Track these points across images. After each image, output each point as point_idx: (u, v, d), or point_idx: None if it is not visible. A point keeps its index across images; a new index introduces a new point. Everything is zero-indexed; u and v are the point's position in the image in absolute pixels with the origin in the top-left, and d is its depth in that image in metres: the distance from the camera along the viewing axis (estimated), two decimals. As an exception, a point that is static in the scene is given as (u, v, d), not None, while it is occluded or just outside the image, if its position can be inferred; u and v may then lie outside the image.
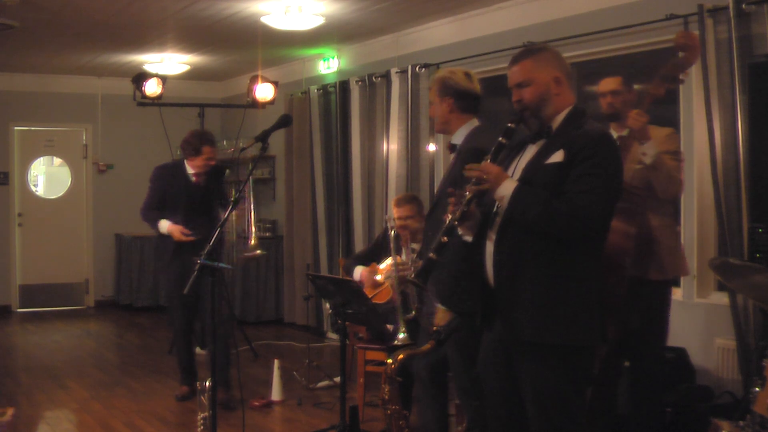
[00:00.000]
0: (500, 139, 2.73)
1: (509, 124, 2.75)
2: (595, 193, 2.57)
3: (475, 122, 3.56)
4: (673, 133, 3.91)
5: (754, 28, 4.32)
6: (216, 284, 3.79)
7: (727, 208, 4.43)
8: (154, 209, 5.62)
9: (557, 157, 2.63)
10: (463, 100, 3.53)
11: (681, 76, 3.66)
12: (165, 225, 5.52)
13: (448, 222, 2.71)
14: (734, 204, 4.39)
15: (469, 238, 2.85)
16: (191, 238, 5.41)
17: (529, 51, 2.79)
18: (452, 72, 3.59)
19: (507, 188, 2.64)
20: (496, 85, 6.39)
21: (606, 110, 3.96)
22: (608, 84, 3.92)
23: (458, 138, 3.54)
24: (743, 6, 4.31)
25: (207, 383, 3.89)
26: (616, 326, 3.47)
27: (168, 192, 5.60)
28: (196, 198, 5.56)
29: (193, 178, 5.57)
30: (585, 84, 5.94)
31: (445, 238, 2.71)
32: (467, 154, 3.42)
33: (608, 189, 2.62)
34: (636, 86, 3.80)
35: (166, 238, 5.52)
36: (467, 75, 3.59)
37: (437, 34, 6.74)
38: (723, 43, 4.43)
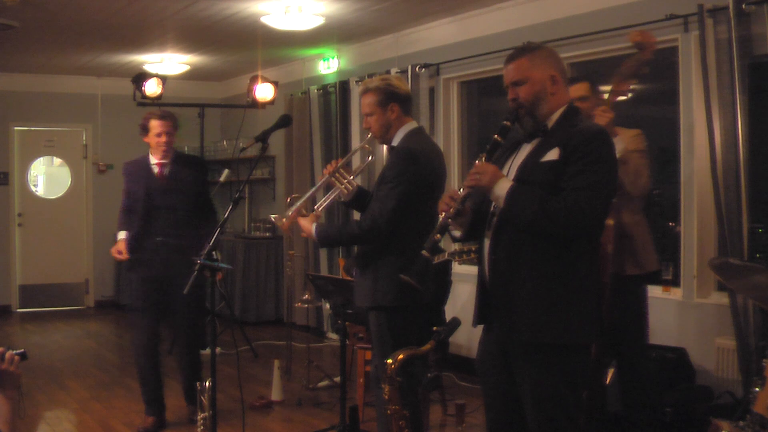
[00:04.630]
0: (495, 137, 2.73)
1: (504, 122, 2.74)
2: (592, 190, 2.57)
3: (413, 124, 3.70)
4: (640, 133, 3.97)
5: (754, 28, 4.32)
6: (215, 284, 3.79)
7: (727, 208, 4.43)
8: (130, 211, 4.93)
9: (553, 154, 2.63)
10: (405, 103, 3.66)
11: (642, 71, 3.72)
12: (119, 237, 4.86)
13: (441, 220, 2.71)
14: (734, 204, 4.39)
15: (457, 234, 2.85)
16: (121, 257, 4.77)
17: (525, 49, 2.78)
18: (386, 79, 3.70)
19: (502, 188, 2.63)
20: (495, 85, 6.40)
21: None
22: (576, 90, 3.93)
23: (397, 140, 3.67)
24: (743, 6, 4.31)
25: (207, 383, 3.89)
26: (604, 321, 3.52)
27: (131, 190, 4.90)
28: (157, 195, 4.80)
29: (157, 170, 4.85)
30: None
31: (438, 236, 2.71)
32: (400, 155, 3.56)
33: (605, 186, 2.62)
34: (609, 87, 3.83)
35: (130, 244, 4.82)
36: (400, 79, 3.76)
37: (437, 34, 6.74)
38: (723, 43, 4.43)
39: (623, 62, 3.72)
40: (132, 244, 4.82)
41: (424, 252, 2.70)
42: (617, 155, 3.61)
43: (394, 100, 3.61)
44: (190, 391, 4.97)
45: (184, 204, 4.84)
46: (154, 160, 4.85)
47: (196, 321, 5.00)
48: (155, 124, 4.78)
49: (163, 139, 4.78)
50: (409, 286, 3.33)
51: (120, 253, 4.78)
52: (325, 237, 3.70)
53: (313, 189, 3.90)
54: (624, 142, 3.72)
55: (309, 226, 3.70)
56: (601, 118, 3.61)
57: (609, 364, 4.07)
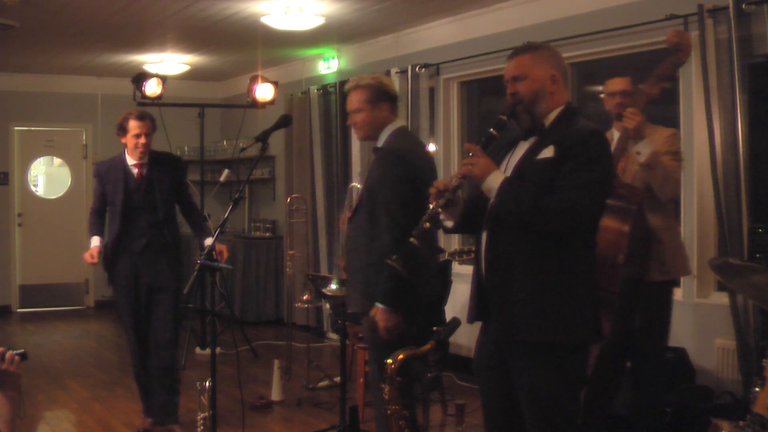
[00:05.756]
0: (491, 130, 2.74)
1: (501, 117, 2.75)
2: (586, 189, 2.57)
3: (398, 123, 3.62)
4: (675, 133, 3.90)
5: (754, 28, 4.33)
6: (215, 284, 3.79)
7: (727, 208, 4.43)
8: (101, 213, 4.83)
9: (548, 153, 2.64)
10: (394, 103, 3.61)
11: (677, 74, 3.66)
12: (92, 244, 4.73)
13: (431, 208, 2.71)
14: (734, 204, 4.39)
15: (449, 224, 2.85)
16: (93, 261, 4.65)
17: (528, 47, 2.80)
18: (377, 77, 3.64)
19: (495, 180, 2.63)
20: (495, 85, 6.40)
21: (615, 110, 3.89)
22: (619, 84, 3.88)
23: (382, 140, 3.58)
24: (743, 6, 4.31)
25: (207, 383, 3.89)
26: (613, 324, 3.47)
27: (107, 192, 4.76)
28: (137, 197, 4.70)
29: (135, 171, 4.71)
30: (585, 84, 5.94)
31: (428, 224, 2.71)
32: (386, 158, 3.47)
33: (599, 185, 2.62)
34: (639, 87, 3.77)
35: (108, 249, 4.74)
36: (388, 78, 3.72)
37: (437, 34, 6.74)
38: (723, 43, 4.43)
39: (658, 64, 3.60)
40: (112, 249, 4.72)
41: (412, 239, 2.69)
42: (643, 159, 3.60)
43: (385, 99, 3.55)
44: (167, 405, 4.78)
45: (164, 204, 4.76)
46: (131, 161, 4.72)
47: (174, 325, 4.82)
48: (134, 125, 4.64)
49: (142, 140, 4.65)
50: (403, 288, 3.32)
51: (92, 257, 4.66)
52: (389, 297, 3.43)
53: None
54: (653, 145, 3.63)
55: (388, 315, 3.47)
56: (630, 120, 3.55)
57: (623, 366, 4.04)
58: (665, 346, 4.09)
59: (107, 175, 4.78)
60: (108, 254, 4.73)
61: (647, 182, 3.70)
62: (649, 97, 3.61)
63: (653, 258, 3.78)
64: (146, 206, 4.71)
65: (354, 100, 3.58)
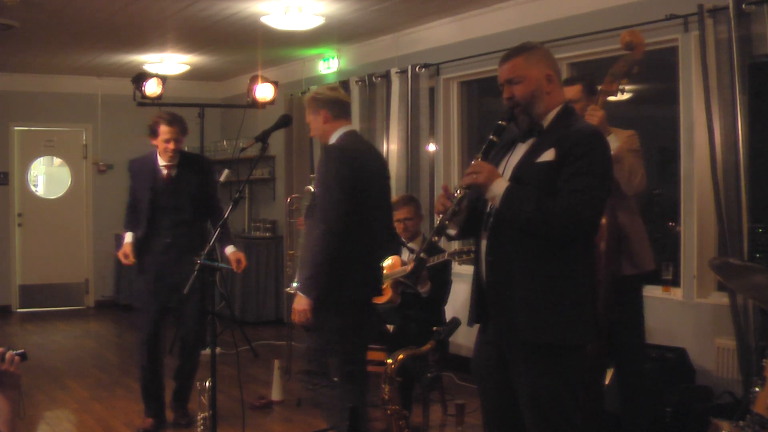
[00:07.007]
0: (491, 136, 2.73)
1: (500, 122, 2.75)
2: (588, 193, 2.57)
3: (347, 127, 3.84)
4: (634, 134, 3.97)
5: (754, 28, 4.33)
6: (215, 284, 3.80)
7: (727, 208, 4.43)
8: (136, 208, 4.93)
9: (548, 155, 2.63)
10: (334, 107, 3.82)
11: (633, 71, 3.74)
12: (125, 240, 4.86)
13: (439, 221, 2.72)
14: (734, 204, 4.39)
15: (453, 232, 2.86)
16: (127, 262, 4.80)
17: (521, 48, 2.79)
18: (315, 90, 3.92)
19: (499, 187, 2.63)
20: (495, 85, 6.38)
21: None
22: (567, 92, 3.94)
23: (331, 142, 3.82)
24: (743, 6, 4.31)
25: (207, 383, 3.89)
26: (602, 321, 3.51)
27: (136, 190, 4.90)
28: (163, 197, 4.81)
29: (164, 172, 4.84)
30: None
31: (436, 238, 2.72)
32: (327, 152, 3.72)
33: (600, 188, 2.62)
34: (598, 87, 3.83)
35: (134, 246, 4.84)
36: (331, 88, 3.96)
37: (437, 34, 6.74)
38: (723, 43, 4.43)
39: (615, 62, 3.73)
40: (138, 245, 4.83)
41: (422, 254, 2.71)
42: (611, 153, 3.64)
43: (321, 106, 3.79)
44: (179, 394, 5.07)
45: (189, 205, 4.85)
46: (162, 161, 4.85)
47: (202, 325, 5.00)
48: (164, 130, 4.76)
49: (171, 145, 4.77)
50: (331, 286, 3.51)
51: (126, 257, 4.82)
52: (309, 287, 3.69)
53: None
54: (619, 140, 3.73)
55: (302, 301, 3.73)
56: (592, 117, 3.61)
57: (608, 364, 4.07)
58: (643, 340, 4.11)
59: (137, 172, 4.93)
60: (137, 252, 4.84)
61: (615, 177, 3.74)
62: (607, 95, 3.72)
63: (623, 253, 3.83)
64: (172, 206, 4.82)
65: (307, 118, 3.89)
